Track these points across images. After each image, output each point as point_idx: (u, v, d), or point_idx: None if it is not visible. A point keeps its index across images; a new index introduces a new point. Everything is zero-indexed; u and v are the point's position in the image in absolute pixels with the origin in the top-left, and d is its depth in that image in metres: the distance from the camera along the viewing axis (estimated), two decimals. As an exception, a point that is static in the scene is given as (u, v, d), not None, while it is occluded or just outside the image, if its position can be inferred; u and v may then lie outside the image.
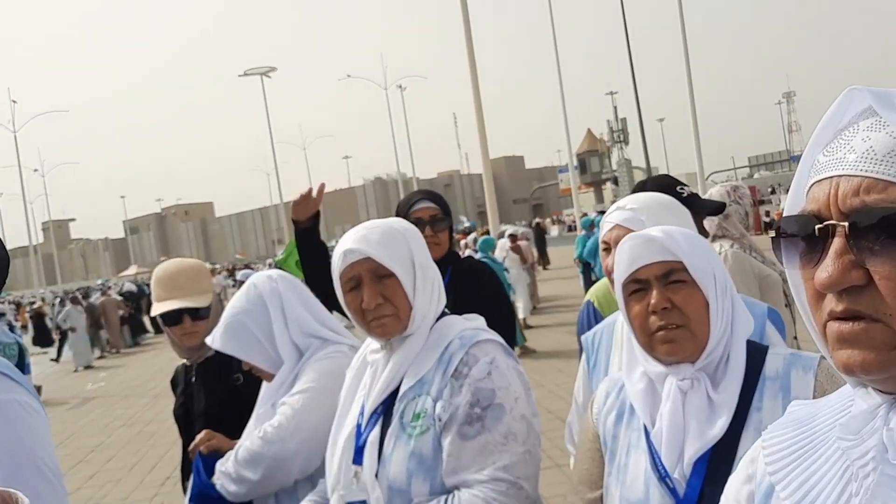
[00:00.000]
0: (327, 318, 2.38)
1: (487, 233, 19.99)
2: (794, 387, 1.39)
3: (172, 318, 2.62)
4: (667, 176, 2.72)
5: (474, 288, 2.86)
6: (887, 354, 0.69)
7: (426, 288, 1.83)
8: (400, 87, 55.29)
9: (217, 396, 2.60)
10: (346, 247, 1.79)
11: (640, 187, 2.61)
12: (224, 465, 2.20)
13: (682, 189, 2.53)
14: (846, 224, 0.70)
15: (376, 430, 1.78)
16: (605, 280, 2.58)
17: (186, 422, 2.70)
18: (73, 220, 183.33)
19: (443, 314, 1.89)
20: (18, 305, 42.56)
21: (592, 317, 2.55)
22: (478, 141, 22.08)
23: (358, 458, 1.79)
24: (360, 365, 1.95)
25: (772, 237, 0.79)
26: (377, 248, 1.77)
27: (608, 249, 2.01)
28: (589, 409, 1.62)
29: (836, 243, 0.71)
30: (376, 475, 1.74)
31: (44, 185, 64.86)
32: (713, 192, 3.61)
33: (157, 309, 2.63)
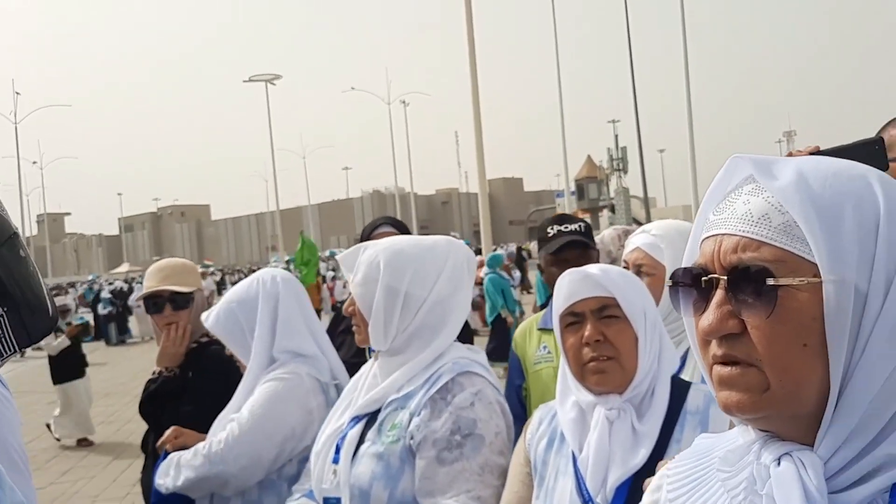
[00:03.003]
0: (319, 333, 2.44)
1: (479, 251, 20.07)
2: (713, 421, 1.49)
3: (155, 305, 2.78)
4: (559, 216, 2.92)
5: None
6: (759, 396, 0.76)
7: (389, 310, 1.88)
8: (403, 102, 55.60)
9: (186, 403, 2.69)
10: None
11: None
12: (168, 464, 2.28)
13: (550, 230, 2.75)
14: (725, 278, 0.78)
15: (356, 431, 1.84)
16: (529, 320, 2.77)
17: (155, 408, 2.79)
18: (68, 214, 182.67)
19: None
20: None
21: (516, 365, 2.71)
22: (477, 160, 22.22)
23: (337, 457, 1.86)
24: (363, 372, 2.02)
25: (669, 286, 0.86)
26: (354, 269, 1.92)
27: (627, 269, 2.11)
28: (523, 435, 1.70)
29: (718, 295, 0.79)
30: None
31: (41, 177, 64.99)
32: (605, 235, 3.68)
33: (143, 294, 2.83)
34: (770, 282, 0.75)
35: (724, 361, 0.79)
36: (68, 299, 26.74)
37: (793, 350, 0.75)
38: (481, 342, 10.05)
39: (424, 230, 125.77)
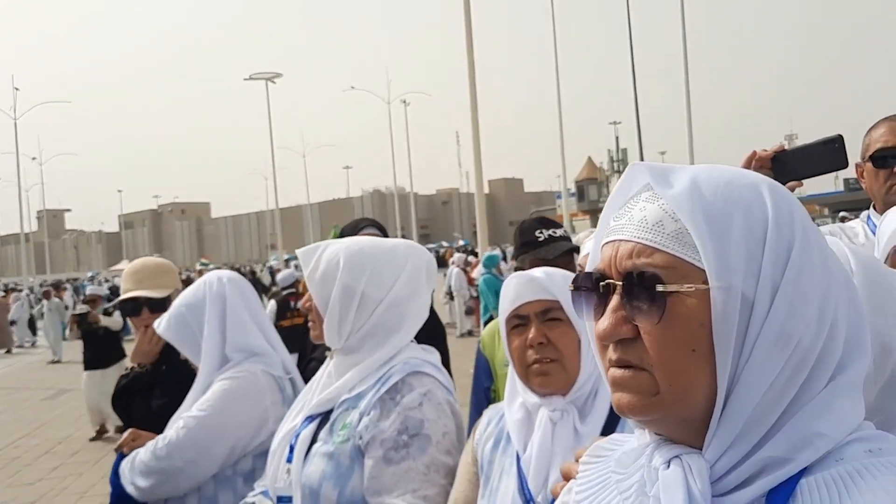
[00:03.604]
0: (270, 332, 2.47)
1: (475, 253, 20.11)
2: None
3: (132, 308, 2.84)
4: (542, 219, 2.90)
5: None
6: (650, 399, 0.77)
7: (345, 309, 1.89)
8: (404, 102, 55.57)
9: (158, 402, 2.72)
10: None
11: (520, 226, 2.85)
12: (123, 468, 2.31)
13: (540, 233, 2.75)
14: (621, 283, 0.79)
15: (309, 431, 1.86)
16: (495, 321, 2.74)
17: (127, 402, 2.83)
18: (68, 210, 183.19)
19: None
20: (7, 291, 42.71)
21: (484, 366, 2.72)
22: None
23: (291, 456, 1.87)
24: (321, 372, 2.02)
25: (571, 290, 0.87)
26: (312, 268, 1.91)
27: None
28: (472, 434, 1.73)
29: (614, 300, 0.80)
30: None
31: (40, 173, 65.05)
32: (581, 237, 3.70)
33: (121, 297, 2.88)
34: (659, 288, 0.76)
35: (619, 365, 0.80)
36: (66, 296, 27.06)
37: (682, 355, 0.76)
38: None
39: (424, 230, 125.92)
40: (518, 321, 1.59)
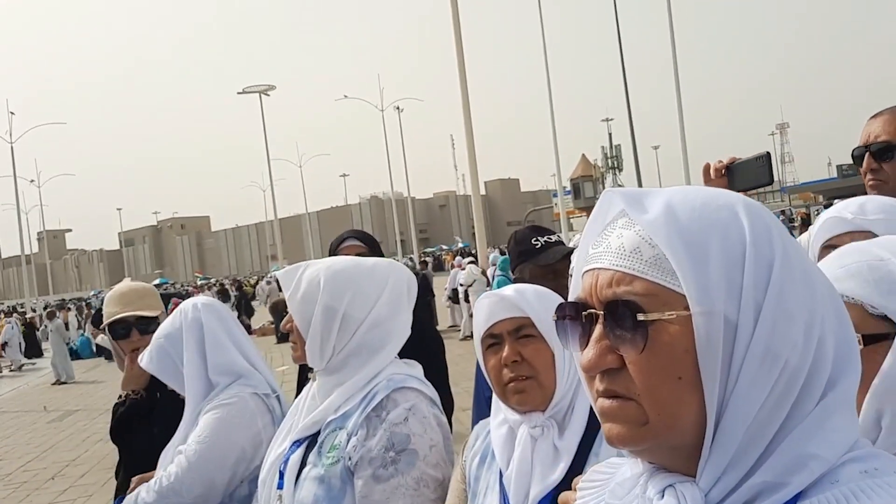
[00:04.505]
0: (250, 351, 2.48)
1: (472, 254, 20.17)
2: None
3: (121, 331, 2.82)
4: (535, 227, 2.96)
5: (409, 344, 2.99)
6: (639, 429, 0.76)
7: (327, 329, 1.89)
8: (397, 108, 55.48)
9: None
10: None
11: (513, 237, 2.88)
12: None
13: (536, 241, 2.79)
14: (602, 313, 0.78)
15: (297, 455, 1.87)
16: None
17: (123, 434, 2.82)
18: (69, 230, 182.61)
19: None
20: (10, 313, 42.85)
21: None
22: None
23: (282, 482, 1.88)
24: (303, 395, 2.03)
25: (555, 320, 0.85)
26: (291, 290, 1.93)
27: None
28: (461, 451, 1.76)
29: (597, 330, 0.79)
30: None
31: (39, 195, 64.97)
32: (577, 239, 3.75)
33: (107, 320, 2.84)
34: (640, 317, 0.75)
35: (606, 395, 0.79)
36: (70, 316, 27.16)
37: (668, 383, 0.75)
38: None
39: (423, 234, 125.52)
40: (492, 340, 1.61)
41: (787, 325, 0.75)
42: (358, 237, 3.17)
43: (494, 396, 1.68)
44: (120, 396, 2.80)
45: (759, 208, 0.81)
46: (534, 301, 1.59)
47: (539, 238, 2.82)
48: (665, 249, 0.76)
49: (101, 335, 10.48)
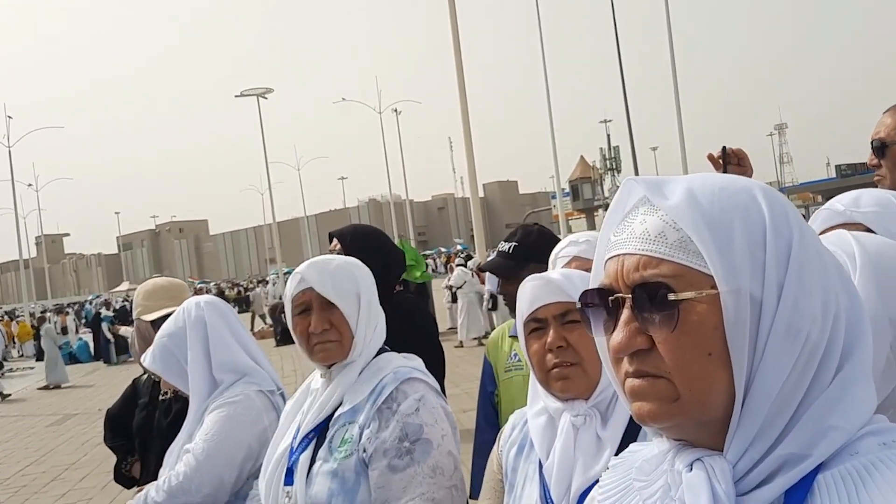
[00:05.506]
0: (254, 349, 2.47)
1: (471, 257, 20.15)
2: None
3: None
4: (538, 228, 2.86)
5: (406, 326, 2.93)
6: (669, 405, 0.79)
7: (369, 322, 1.94)
8: (395, 111, 55.55)
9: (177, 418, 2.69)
10: (299, 274, 1.92)
11: (516, 233, 2.81)
12: None
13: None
14: (630, 296, 0.81)
15: (308, 452, 1.86)
16: (501, 327, 2.76)
17: (146, 437, 2.80)
18: (66, 234, 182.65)
19: (382, 350, 1.99)
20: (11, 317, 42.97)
21: (489, 371, 2.72)
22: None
23: (289, 479, 1.87)
24: (302, 392, 2.02)
25: (578, 308, 0.90)
26: (324, 281, 1.88)
27: None
28: (497, 442, 1.70)
29: (625, 313, 0.82)
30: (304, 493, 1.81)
31: (37, 200, 65.01)
32: (556, 249, 3.66)
33: (150, 316, 2.88)
34: (671, 297, 0.78)
35: (636, 375, 0.82)
36: (68, 320, 27.33)
37: (698, 360, 0.78)
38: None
39: (422, 237, 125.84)
40: (536, 325, 1.55)
41: (807, 300, 0.79)
42: (336, 234, 3.11)
43: (531, 386, 1.62)
44: (165, 393, 2.75)
45: (774, 192, 0.85)
46: (581, 286, 1.51)
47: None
48: (690, 232, 0.79)
49: (124, 328, 10.50)
